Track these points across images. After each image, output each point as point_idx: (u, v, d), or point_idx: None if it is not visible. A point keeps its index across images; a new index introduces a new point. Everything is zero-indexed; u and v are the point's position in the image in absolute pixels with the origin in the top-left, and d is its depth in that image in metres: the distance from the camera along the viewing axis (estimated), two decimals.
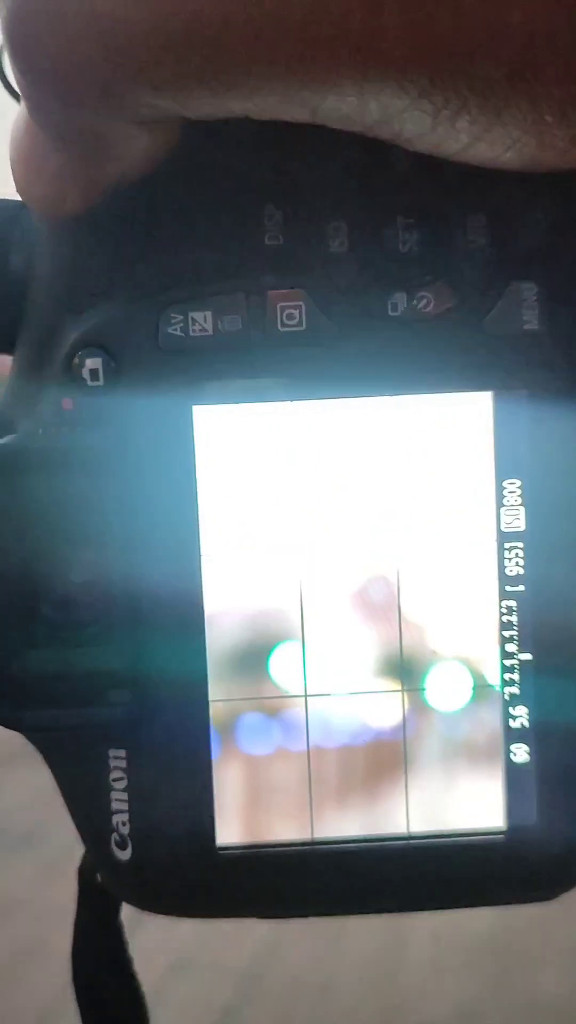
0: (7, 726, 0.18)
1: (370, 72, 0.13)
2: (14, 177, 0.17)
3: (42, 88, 0.14)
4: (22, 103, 0.17)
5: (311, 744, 0.19)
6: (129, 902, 0.19)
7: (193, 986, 1.37)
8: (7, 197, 0.19)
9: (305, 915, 0.19)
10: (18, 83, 0.15)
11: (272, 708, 0.19)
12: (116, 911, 0.20)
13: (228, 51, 0.13)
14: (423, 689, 0.19)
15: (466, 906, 0.19)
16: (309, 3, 0.13)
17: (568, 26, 0.12)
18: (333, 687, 0.19)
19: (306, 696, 0.19)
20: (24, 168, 0.16)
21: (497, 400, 0.18)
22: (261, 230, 0.18)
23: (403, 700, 0.19)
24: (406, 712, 0.19)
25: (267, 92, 0.14)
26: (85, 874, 0.20)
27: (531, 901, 0.19)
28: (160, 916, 0.19)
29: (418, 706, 0.19)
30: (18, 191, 0.17)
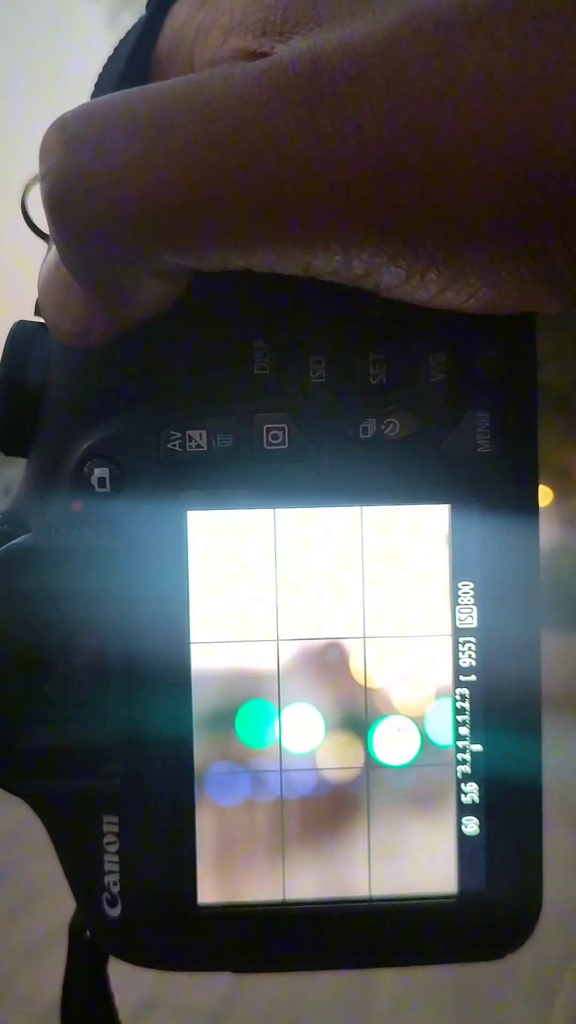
0: (13, 792, 0.20)
1: (353, 238, 0.16)
2: (42, 312, 0.19)
3: (75, 246, 0.17)
4: (51, 251, 0.19)
5: (285, 812, 0.21)
6: (117, 956, 0.21)
7: None
8: (25, 319, 0.21)
9: (276, 970, 0.21)
10: (54, 239, 0.17)
11: (249, 777, 0.21)
12: (104, 965, 0.22)
13: (236, 223, 0.16)
14: (387, 764, 0.21)
15: (422, 964, 0.21)
16: (302, 189, 0.15)
17: (511, 206, 0.15)
18: (305, 761, 0.21)
19: (281, 771, 0.21)
20: (52, 306, 0.19)
21: (453, 512, 0.21)
22: (251, 361, 0.20)
23: (367, 775, 0.21)
24: (370, 786, 0.21)
25: (268, 252, 0.16)
26: (75, 930, 0.22)
27: (479, 960, 0.21)
28: (144, 969, 0.21)
29: (382, 781, 0.21)
30: (46, 324, 0.19)
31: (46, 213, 0.17)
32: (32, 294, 0.21)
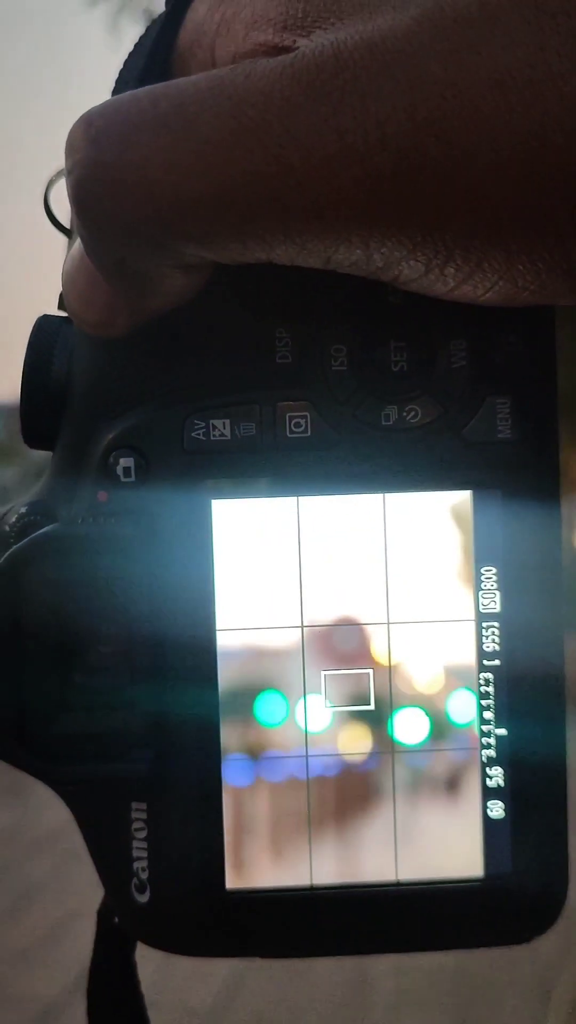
0: (42, 779, 0.20)
1: (373, 233, 0.16)
2: (67, 304, 0.19)
3: (100, 238, 0.17)
4: (75, 242, 0.19)
5: (311, 797, 0.21)
6: (145, 942, 0.21)
7: None
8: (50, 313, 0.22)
9: (303, 955, 0.21)
10: (80, 232, 0.17)
11: (275, 763, 0.21)
12: (131, 951, 0.22)
13: (258, 218, 0.16)
14: (412, 750, 0.21)
15: (448, 948, 0.21)
16: (323, 183, 0.15)
17: (528, 200, 0.15)
18: (329, 747, 0.21)
19: (306, 757, 0.21)
20: (78, 298, 0.19)
21: (475, 498, 0.21)
22: (273, 350, 0.20)
23: (393, 760, 0.21)
24: (396, 771, 0.21)
25: (289, 246, 0.16)
26: (103, 916, 0.22)
27: (506, 944, 0.21)
28: (174, 956, 0.21)
29: (408, 766, 0.21)
30: (71, 316, 0.20)
31: (72, 207, 0.17)
32: (54, 291, 0.21)
